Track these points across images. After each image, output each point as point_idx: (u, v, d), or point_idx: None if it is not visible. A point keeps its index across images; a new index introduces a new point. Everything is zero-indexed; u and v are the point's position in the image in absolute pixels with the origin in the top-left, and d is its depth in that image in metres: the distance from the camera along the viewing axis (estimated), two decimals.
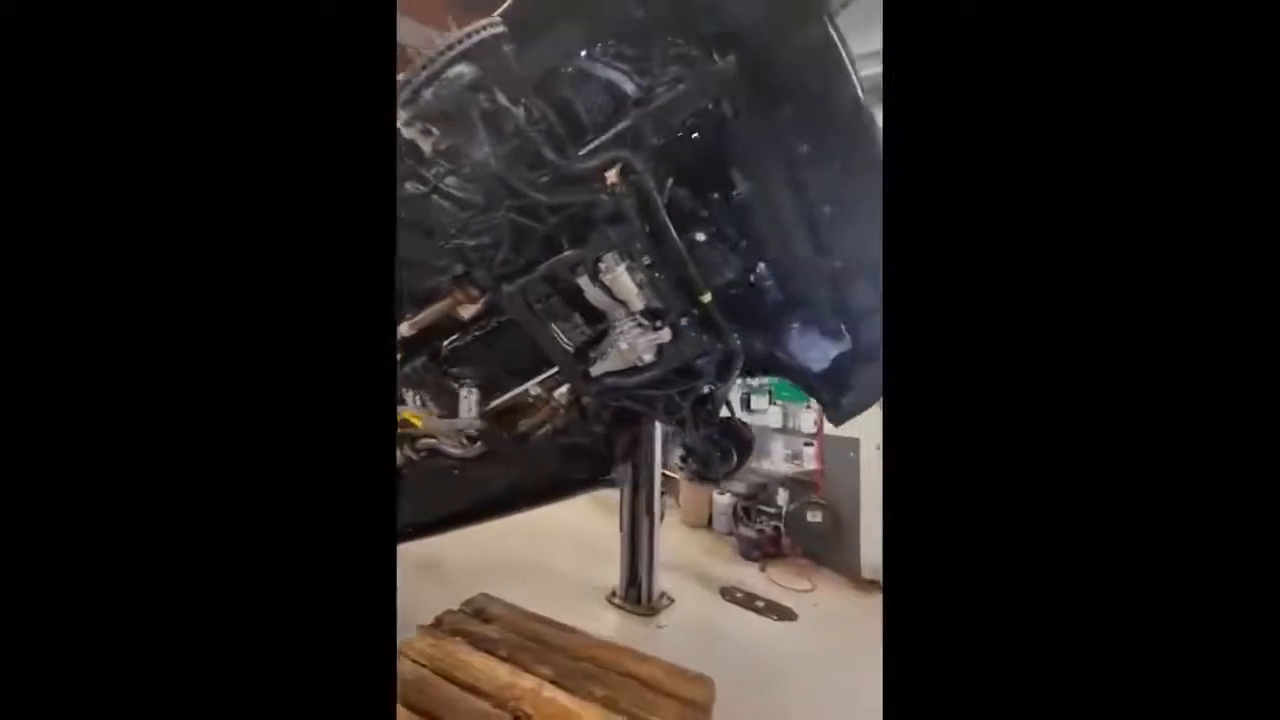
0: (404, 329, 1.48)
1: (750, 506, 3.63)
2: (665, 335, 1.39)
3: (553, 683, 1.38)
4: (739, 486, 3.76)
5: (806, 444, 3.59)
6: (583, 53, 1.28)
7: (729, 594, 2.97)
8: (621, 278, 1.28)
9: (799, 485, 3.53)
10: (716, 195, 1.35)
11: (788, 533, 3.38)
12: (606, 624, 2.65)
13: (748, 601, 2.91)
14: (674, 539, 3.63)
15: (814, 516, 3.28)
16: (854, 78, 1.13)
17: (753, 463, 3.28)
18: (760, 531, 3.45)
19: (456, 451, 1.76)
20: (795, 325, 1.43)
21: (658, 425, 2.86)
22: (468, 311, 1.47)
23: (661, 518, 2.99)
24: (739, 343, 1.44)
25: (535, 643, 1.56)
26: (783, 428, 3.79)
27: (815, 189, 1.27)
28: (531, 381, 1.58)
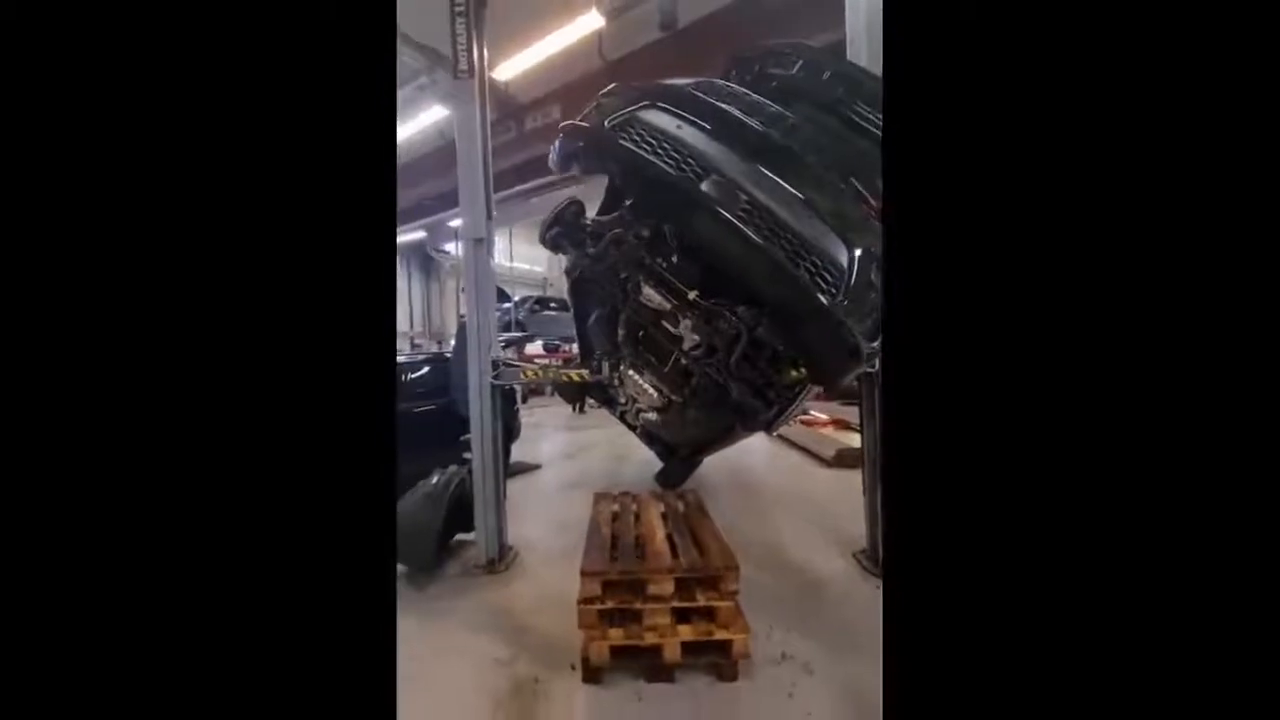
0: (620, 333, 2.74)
1: None
2: (688, 323, 1.98)
3: (667, 535, 2.28)
4: None
5: None
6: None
7: None
8: (648, 291, 2.02)
9: None
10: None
11: None
12: (827, 567, 2.87)
13: None
14: None
15: None
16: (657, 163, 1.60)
17: None
18: None
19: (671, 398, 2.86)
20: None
21: (878, 395, 2.74)
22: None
23: None
24: (739, 323, 1.79)
25: (687, 523, 2.45)
26: None
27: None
28: (672, 358, 2.47)
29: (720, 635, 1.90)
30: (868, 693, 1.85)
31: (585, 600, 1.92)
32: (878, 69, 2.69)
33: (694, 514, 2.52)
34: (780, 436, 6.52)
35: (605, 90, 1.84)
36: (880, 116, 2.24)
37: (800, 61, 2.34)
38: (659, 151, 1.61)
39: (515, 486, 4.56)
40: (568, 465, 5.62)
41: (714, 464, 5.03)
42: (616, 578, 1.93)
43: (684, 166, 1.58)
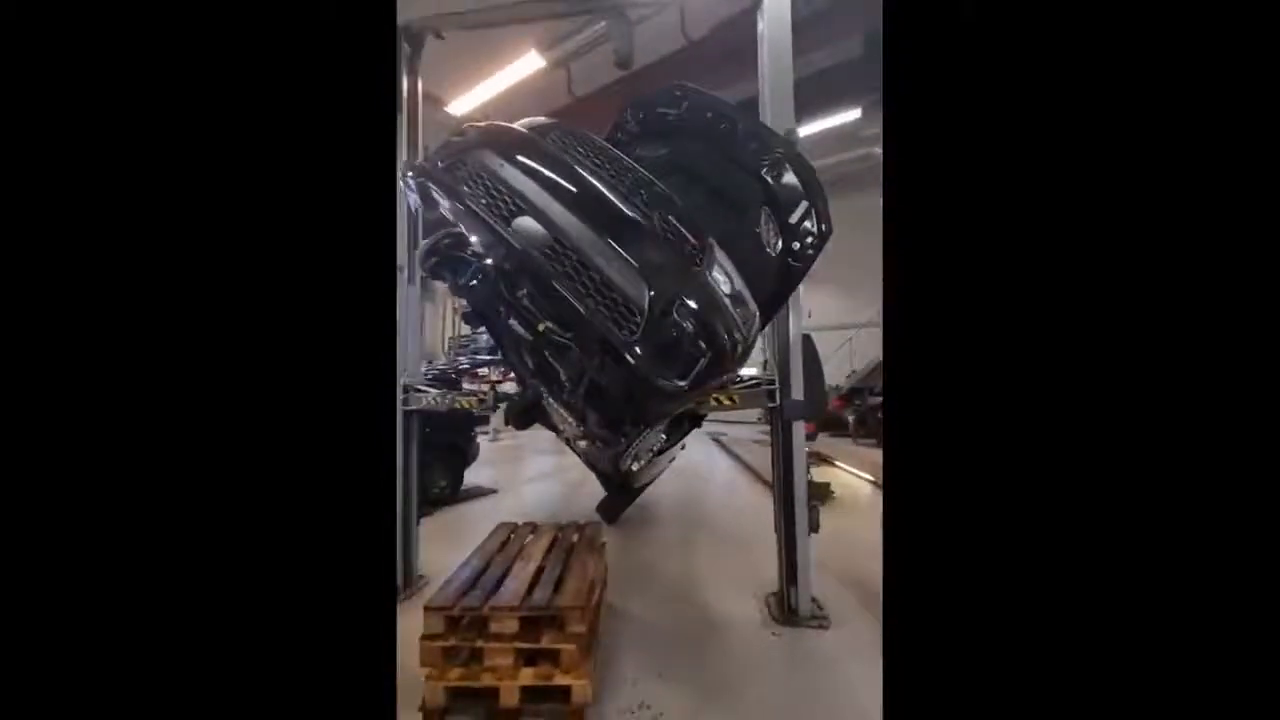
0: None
1: None
2: (546, 355, 1.99)
3: (538, 570, 2.23)
4: None
5: None
6: None
7: None
8: (513, 322, 2.05)
9: None
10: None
11: None
12: (732, 610, 2.74)
13: None
14: None
15: None
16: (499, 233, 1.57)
17: None
18: None
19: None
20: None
21: (798, 428, 2.66)
22: None
23: (813, 529, 2.62)
24: (581, 356, 1.79)
25: (570, 557, 2.40)
26: None
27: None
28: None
29: (560, 680, 1.83)
30: None
31: (428, 636, 1.88)
32: (782, 123, 2.75)
33: (581, 548, 2.46)
34: (752, 470, 6.37)
35: (455, 132, 1.92)
36: (760, 156, 2.28)
37: (687, 103, 2.41)
38: (480, 189, 1.65)
39: (459, 512, 4.55)
40: (530, 490, 5.59)
41: (669, 496, 4.94)
42: (458, 614, 1.89)
43: (499, 205, 1.61)
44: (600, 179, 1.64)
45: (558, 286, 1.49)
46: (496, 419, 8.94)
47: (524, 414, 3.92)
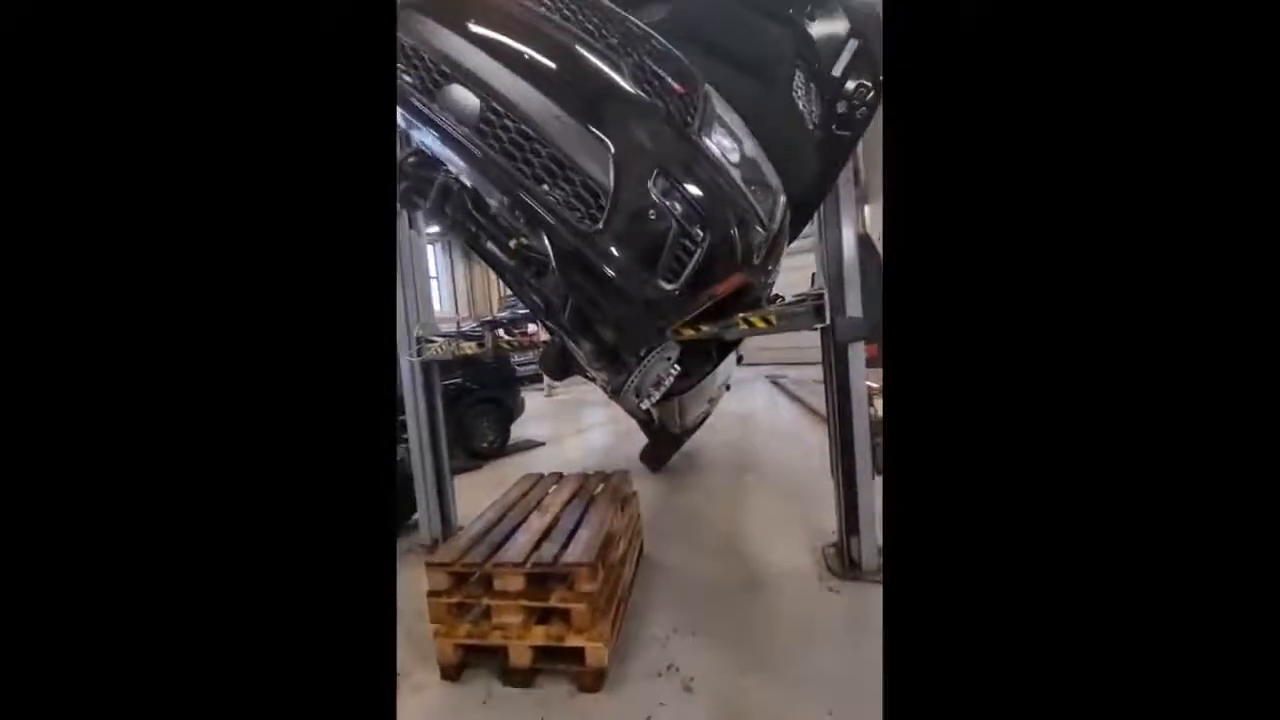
0: None
1: None
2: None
3: (552, 522, 2.03)
4: None
5: None
6: None
7: None
8: (488, 244, 1.74)
9: None
10: None
11: None
12: (786, 563, 2.42)
13: None
14: None
15: None
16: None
17: None
18: None
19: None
20: None
21: (856, 352, 2.18)
22: None
23: (879, 470, 2.18)
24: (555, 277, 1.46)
25: (589, 509, 2.17)
26: None
27: None
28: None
29: (571, 641, 1.64)
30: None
31: (434, 593, 1.76)
32: None
33: (603, 500, 2.23)
34: (818, 414, 5.83)
35: None
36: None
37: None
38: (403, 63, 1.31)
39: (507, 465, 4.55)
40: (578, 440, 5.53)
41: (722, 444, 4.63)
42: (461, 570, 1.74)
43: (424, 76, 1.26)
44: (549, 22, 1.24)
45: (499, 172, 1.15)
46: None
47: (558, 363, 3.66)
